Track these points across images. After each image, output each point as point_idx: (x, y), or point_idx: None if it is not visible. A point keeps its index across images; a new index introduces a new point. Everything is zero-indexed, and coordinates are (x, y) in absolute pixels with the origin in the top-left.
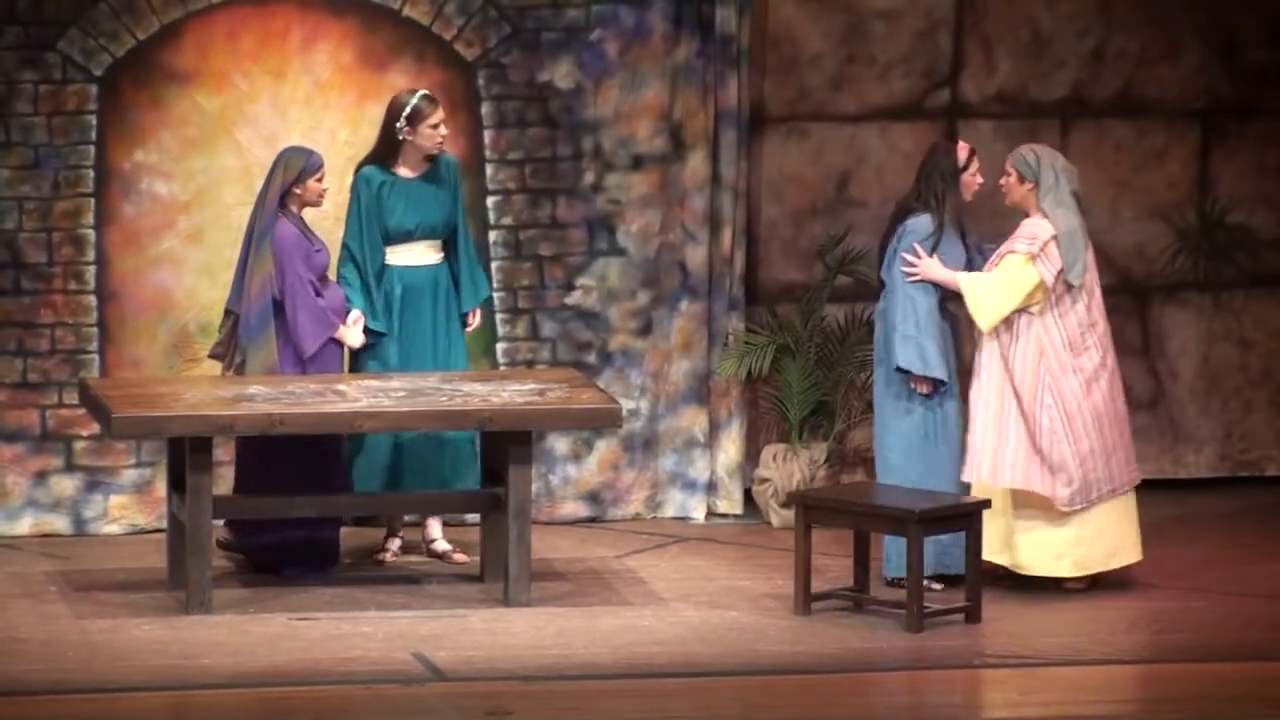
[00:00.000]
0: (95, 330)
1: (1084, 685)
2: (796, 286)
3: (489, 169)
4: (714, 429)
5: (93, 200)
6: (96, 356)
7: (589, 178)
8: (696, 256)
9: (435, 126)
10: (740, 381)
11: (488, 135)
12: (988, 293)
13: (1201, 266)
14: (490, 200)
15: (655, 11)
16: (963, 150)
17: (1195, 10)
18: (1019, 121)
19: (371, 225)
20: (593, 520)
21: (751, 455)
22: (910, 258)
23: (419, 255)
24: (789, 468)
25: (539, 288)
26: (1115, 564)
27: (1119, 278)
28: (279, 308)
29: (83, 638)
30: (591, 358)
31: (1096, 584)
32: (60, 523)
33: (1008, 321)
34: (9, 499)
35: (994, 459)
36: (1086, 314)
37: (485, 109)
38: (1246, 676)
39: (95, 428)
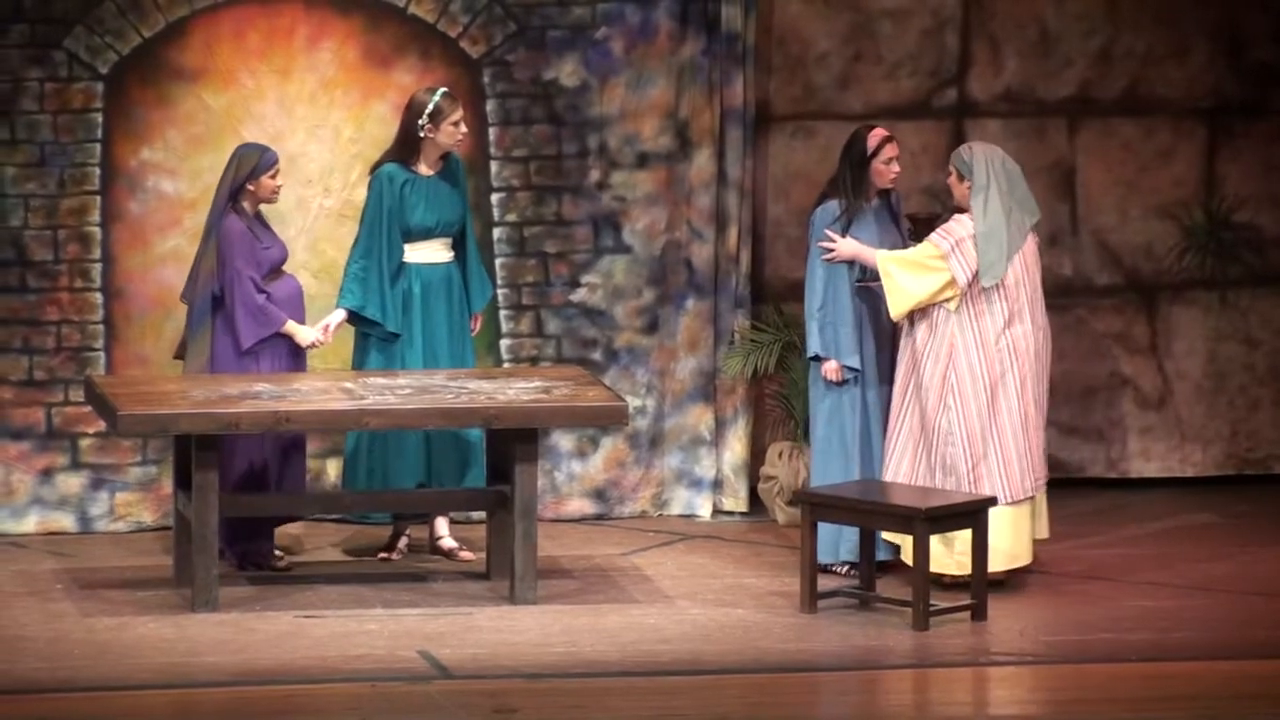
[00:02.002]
0: (101, 328)
1: (1089, 683)
2: (802, 284)
3: (494, 166)
4: (720, 427)
5: (99, 198)
6: (102, 354)
7: (594, 175)
8: (702, 254)
9: (456, 124)
10: (746, 379)
11: (493, 132)
12: (900, 272)
13: (1208, 265)
14: (495, 197)
15: (661, 9)
16: (874, 138)
17: (1202, 9)
18: (1026, 120)
19: (393, 224)
20: (599, 518)
21: (757, 453)
22: (825, 243)
23: (435, 253)
24: (795, 465)
25: (544, 285)
26: (1000, 567)
27: (1126, 277)
28: (219, 303)
29: (89, 635)
30: (597, 355)
31: (1011, 580)
32: (66, 520)
33: (924, 316)
34: (15, 496)
35: (899, 454)
36: (1003, 317)
37: (490, 106)
38: (1252, 674)
39: (101, 425)
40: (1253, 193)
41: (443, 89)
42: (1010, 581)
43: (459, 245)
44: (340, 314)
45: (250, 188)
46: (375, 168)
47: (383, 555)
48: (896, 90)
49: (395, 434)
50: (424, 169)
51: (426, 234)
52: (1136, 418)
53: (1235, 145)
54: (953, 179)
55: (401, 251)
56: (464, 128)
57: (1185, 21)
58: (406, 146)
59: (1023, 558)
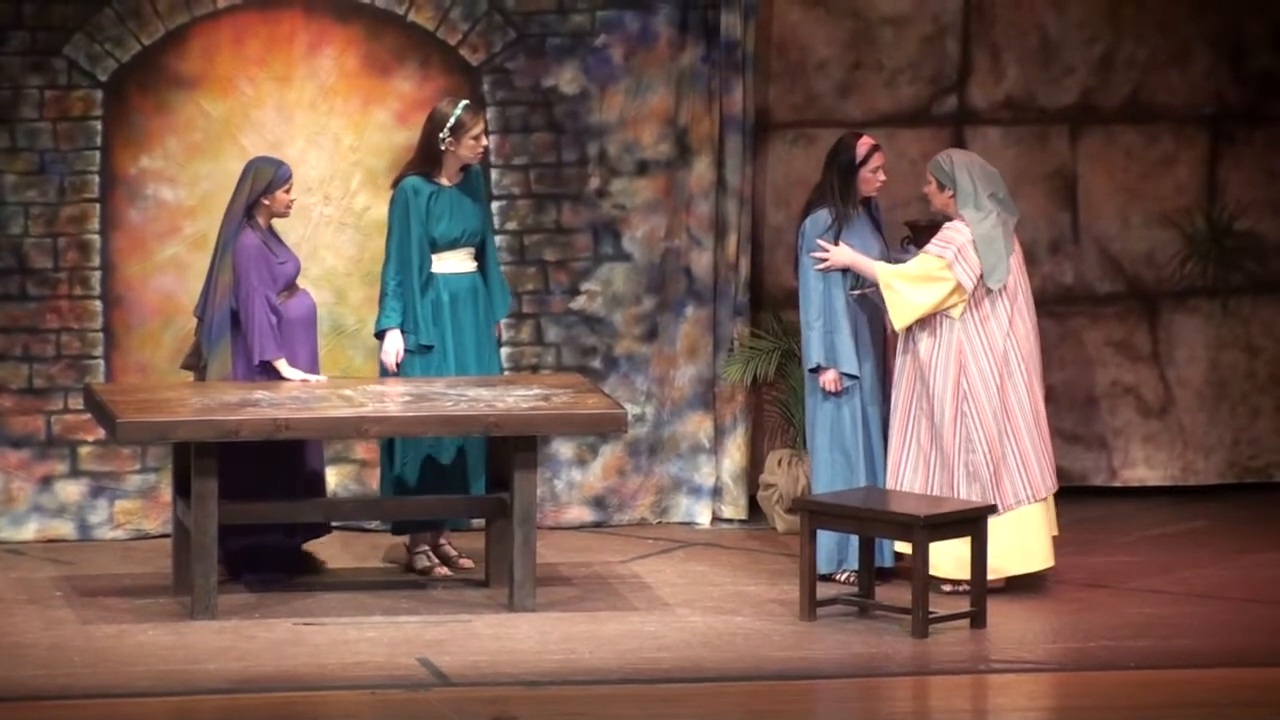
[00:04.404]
0: (101, 335)
1: (1089, 690)
2: None
3: (494, 174)
4: (719, 434)
5: (98, 205)
6: (102, 362)
7: (594, 183)
8: (702, 262)
9: (477, 138)
10: (745, 387)
11: (493, 140)
12: (904, 285)
13: (1210, 273)
14: (495, 205)
15: (661, 17)
16: (863, 145)
17: (1204, 16)
18: (1027, 128)
19: (421, 236)
20: (598, 525)
21: (757, 460)
22: (818, 254)
23: (461, 263)
24: (794, 473)
25: (544, 293)
26: (1021, 569)
27: (1128, 284)
28: (236, 317)
29: (88, 643)
30: (596, 363)
31: (1012, 586)
32: (65, 528)
33: (927, 327)
34: (14, 504)
35: (908, 467)
36: (1008, 320)
37: (490, 114)
38: (1252, 681)
39: (100, 433)
40: (1254, 200)
41: (464, 101)
42: (1010, 588)
43: (480, 255)
44: (398, 337)
45: (265, 202)
46: (397, 181)
47: (438, 571)
48: (897, 98)
49: (432, 440)
50: (445, 180)
51: (452, 244)
52: (1138, 426)
53: (1237, 152)
54: (932, 188)
55: (430, 263)
56: (485, 140)
57: (1186, 29)
58: (429, 159)
59: (1048, 558)
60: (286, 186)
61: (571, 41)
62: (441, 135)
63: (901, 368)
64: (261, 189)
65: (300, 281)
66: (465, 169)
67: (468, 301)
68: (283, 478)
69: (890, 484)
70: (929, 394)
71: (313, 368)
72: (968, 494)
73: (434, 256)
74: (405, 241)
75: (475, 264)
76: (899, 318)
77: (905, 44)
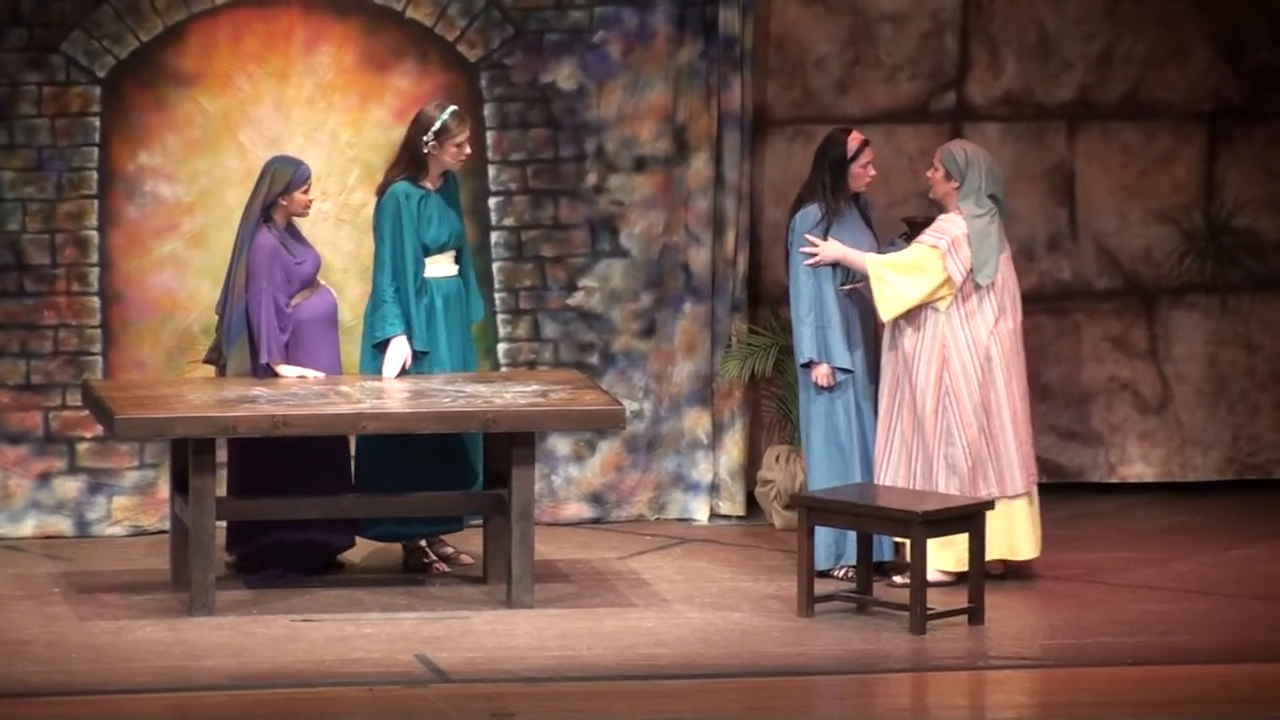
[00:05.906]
0: (98, 332)
1: (1087, 686)
2: None
3: (491, 170)
4: (717, 430)
5: (96, 202)
6: (100, 358)
7: (591, 179)
8: (699, 258)
9: (460, 145)
10: (743, 383)
11: (490, 136)
12: (895, 276)
13: (1208, 269)
14: (492, 201)
15: (659, 13)
16: (853, 141)
17: (1203, 13)
18: (1025, 124)
19: (415, 241)
20: (595, 522)
21: (754, 457)
22: (807, 249)
23: (448, 266)
24: (792, 469)
25: (541, 289)
26: (999, 556)
27: (1126, 281)
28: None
29: (86, 639)
30: (594, 359)
31: (1010, 577)
32: (63, 524)
33: (913, 320)
34: (12, 501)
35: (891, 458)
36: (993, 315)
37: (488, 110)
38: (1249, 678)
39: (98, 429)
40: (1253, 197)
41: (453, 107)
42: (1008, 584)
43: (458, 258)
44: (404, 344)
45: (283, 202)
46: (384, 187)
47: (438, 568)
48: (895, 94)
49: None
50: (430, 185)
51: (441, 249)
52: (1136, 422)
53: (1235, 149)
54: (938, 174)
55: (424, 268)
56: (468, 149)
57: (1185, 25)
58: (415, 162)
59: (1013, 552)
60: (305, 187)
61: (569, 37)
62: (425, 138)
63: (887, 360)
64: (280, 190)
65: None
66: (445, 173)
67: (455, 304)
68: (324, 478)
69: (875, 474)
70: (912, 385)
71: (333, 366)
72: (946, 486)
73: (426, 261)
74: (398, 248)
75: (457, 267)
76: (887, 309)
77: (904, 40)
